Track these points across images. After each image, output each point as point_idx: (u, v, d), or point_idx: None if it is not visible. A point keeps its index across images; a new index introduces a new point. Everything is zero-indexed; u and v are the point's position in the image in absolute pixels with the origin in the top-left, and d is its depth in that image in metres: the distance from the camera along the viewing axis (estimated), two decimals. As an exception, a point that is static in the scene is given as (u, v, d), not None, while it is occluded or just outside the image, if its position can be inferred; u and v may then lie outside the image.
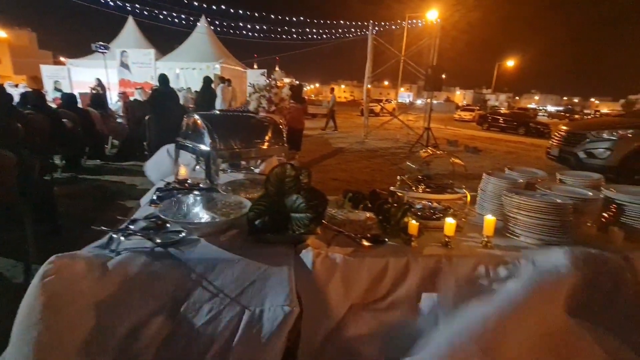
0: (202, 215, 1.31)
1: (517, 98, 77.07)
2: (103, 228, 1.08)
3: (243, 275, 1.05)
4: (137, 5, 13.64)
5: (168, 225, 1.21)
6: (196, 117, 1.85)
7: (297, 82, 7.33)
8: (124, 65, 10.80)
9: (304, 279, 1.11)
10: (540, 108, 56.04)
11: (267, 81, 5.40)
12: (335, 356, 1.03)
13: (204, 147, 1.70)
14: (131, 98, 7.43)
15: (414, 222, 1.30)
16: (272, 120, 2.20)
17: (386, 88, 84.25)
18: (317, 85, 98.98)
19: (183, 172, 1.89)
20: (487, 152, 8.77)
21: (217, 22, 15.36)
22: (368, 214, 1.42)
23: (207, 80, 7.45)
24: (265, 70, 13.12)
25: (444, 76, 8.64)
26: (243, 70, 13.67)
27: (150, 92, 6.08)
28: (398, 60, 12.03)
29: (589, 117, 31.51)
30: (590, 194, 1.57)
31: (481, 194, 1.88)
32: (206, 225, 1.24)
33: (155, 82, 7.67)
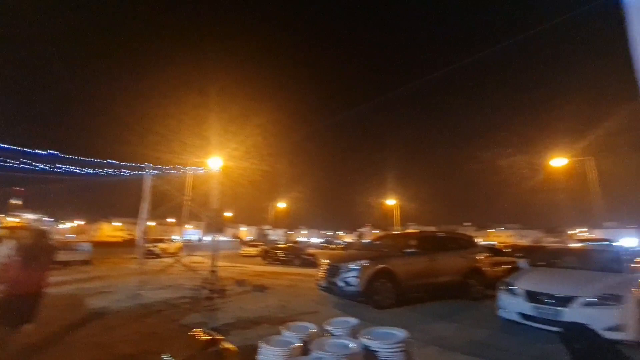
0: None
1: (291, 232, 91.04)
2: None
3: None
4: None
5: None
6: None
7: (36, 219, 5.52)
8: None
9: None
10: (308, 240, 68.32)
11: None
12: None
13: None
14: None
15: None
16: None
17: (171, 225, 79.91)
18: (81, 223, 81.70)
19: None
20: (272, 288, 9.17)
21: None
22: None
23: None
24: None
25: (231, 214, 9.07)
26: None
27: None
28: (181, 200, 11.84)
29: (339, 247, 40.67)
30: (353, 346, 1.69)
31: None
32: None
33: None
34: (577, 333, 2.32)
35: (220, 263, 13.85)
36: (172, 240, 24.53)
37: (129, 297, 7.30)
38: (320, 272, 7.62)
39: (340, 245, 42.74)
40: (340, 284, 6.73)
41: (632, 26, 3.21)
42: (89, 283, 9.40)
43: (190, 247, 23.69)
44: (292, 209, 53.28)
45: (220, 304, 6.90)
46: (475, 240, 10.31)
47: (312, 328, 1.93)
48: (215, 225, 8.45)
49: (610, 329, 4.10)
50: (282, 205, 49.03)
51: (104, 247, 29.63)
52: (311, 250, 26.58)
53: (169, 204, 9.88)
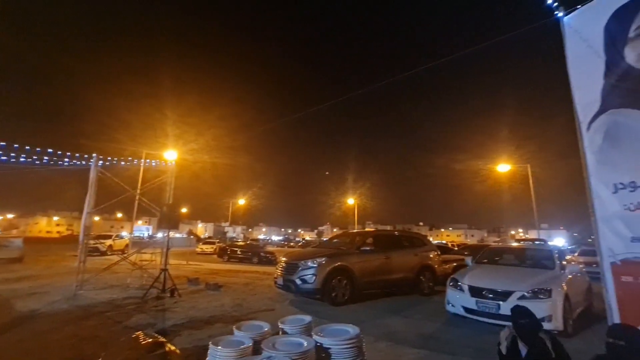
0: None
1: (250, 230, 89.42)
2: None
3: None
4: None
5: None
6: None
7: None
8: None
9: None
10: (268, 238, 67.75)
11: None
12: None
13: None
14: None
15: None
16: None
17: (120, 221, 74.74)
18: (12, 216, 73.72)
19: None
20: (228, 286, 8.91)
21: None
22: None
23: None
24: None
25: (186, 209, 8.66)
26: None
27: None
28: (132, 195, 11.12)
29: (299, 244, 40.70)
30: (305, 343, 1.68)
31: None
32: None
33: None
34: (522, 312, 2.71)
35: (172, 261, 13.20)
36: (119, 237, 22.92)
37: (67, 298, 6.69)
38: (277, 270, 7.55)
39: (300, 243, 42.91)
40: (298, 281, 6.72)
41: (570, 46, 3.54)
42: (19, 283, 8.47)
43: (140, 243, 22.30)
44: (252, 206, 52.31)
45: (170, 303, 6.57)
46: (429, 238, 10.86)
47: (266, 327, 1.89)
48: (169, 221, 8.01)
49: (542, 319, 4.52)
50: (241, 201, 47.95)
51: (39, 244, 26.94)
52: (270, 248, 26.29)
53: (118, 198, 9.19)
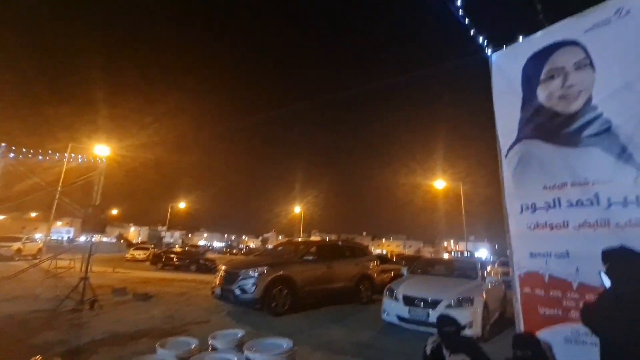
0: None
1: (189, 235, 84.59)
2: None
3: None
4: None
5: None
6: None
7: None
8: None
9: None
10: (208, 244, 64.70)
11: None
12: None
13: None
14: None
15: None
16: None
17: (34, 221, 65.46)
18: None
19: None
20: (160, 296, 8.26)
21: None
22: None
23: None
24: None
25: (116, 211, 7.87)
26: None
27: None
28: (51, 192, 9.90)
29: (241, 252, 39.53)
30: (235, 360, 1.61)
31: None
32: None
33: None
34: (446, 320, 2.91)
35: (96, 268, 11.94)
36: (31, 239, 20.10)
37: (-47, 313, 5.63)
38: (216, 279, 7.22)
39: (243, 251, 41.60)
40: (237, 291, 6.48)
41: (495, 80, 3.98)
42: None
43: (57, 248, 19.78)
44: (193, 210, 49.58)
45: (89, 317, 5.89)
46: (370, 248, 11.27)
47: (193, 343, 1.78)
48: (94, 224, 7.24)
49: (464, 326, 4.92)
50: (182, 205, 45.19)
51: None
52: (211, 255, 25.07)
53: (30, 196, 8.05)
